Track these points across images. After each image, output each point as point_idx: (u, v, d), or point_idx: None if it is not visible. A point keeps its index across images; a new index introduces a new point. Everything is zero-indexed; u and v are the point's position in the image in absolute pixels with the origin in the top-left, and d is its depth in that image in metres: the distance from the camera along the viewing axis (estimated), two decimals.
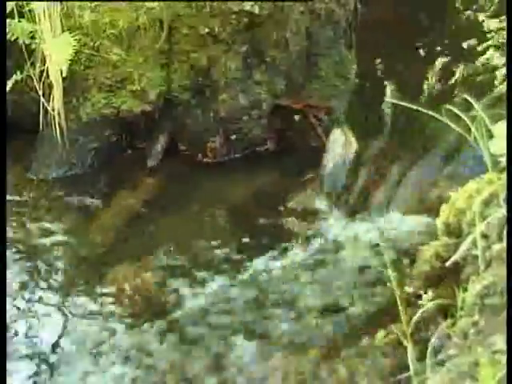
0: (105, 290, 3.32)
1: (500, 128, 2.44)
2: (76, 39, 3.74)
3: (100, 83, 3.96)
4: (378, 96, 4.21)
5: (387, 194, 3.75)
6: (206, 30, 3.95)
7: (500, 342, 1.98)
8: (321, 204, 3.78)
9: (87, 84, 3.98)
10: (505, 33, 4.48)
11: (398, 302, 2.27)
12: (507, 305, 1.93)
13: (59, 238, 3.63)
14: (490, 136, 2.47)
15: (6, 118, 3.68)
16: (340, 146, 3.98)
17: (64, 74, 3.77)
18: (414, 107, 2.64)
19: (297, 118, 4.17)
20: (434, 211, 3.02)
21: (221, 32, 3.95)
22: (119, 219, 3.77)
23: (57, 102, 3.87)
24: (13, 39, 3.79)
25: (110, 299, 3.27)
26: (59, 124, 3.89)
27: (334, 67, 4.25)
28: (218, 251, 3.52)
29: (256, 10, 3.93)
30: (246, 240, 3.60)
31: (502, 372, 1.83)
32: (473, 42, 4.62)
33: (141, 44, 3.96)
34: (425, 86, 4.35)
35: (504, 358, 1.89)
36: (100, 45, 3.94)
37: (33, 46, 3.86)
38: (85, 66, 3.96)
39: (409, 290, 2.80)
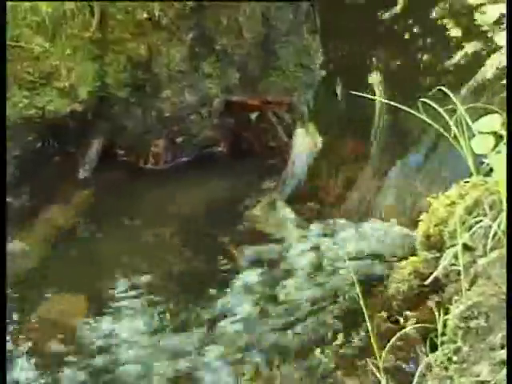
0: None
1: (483, 124, 2.45)
2: None
3: (21, 79, 3.90)
4: (347, 89, 4.23)
5: (359, 201, 3.78)
6: (145, 15, 3.93)
7: (485, 371, 1.98)
8: (283, 213, 3.80)
9: (6, 81, 3.94)
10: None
11: (370, 331, 2.26)
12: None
13: None
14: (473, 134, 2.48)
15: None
16: (304, 147, 4.00)
17: None
18: (388, 102, 2.66)
19: (253, 116, 4.18)
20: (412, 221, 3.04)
21: (162, 17, 3.93)
22: (47, 239, 3.75)
23: None
24: None
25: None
26: None
27: (296, 56, 4.25)
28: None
29: None
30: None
31: None
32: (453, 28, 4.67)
33: (68, 33, 3.91)
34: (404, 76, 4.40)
35: None
36: (20, 34, 3.90)
37: None
38: None
39: (383, 314, 2.83)
